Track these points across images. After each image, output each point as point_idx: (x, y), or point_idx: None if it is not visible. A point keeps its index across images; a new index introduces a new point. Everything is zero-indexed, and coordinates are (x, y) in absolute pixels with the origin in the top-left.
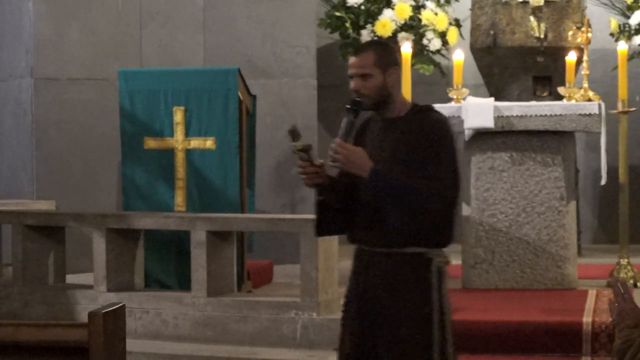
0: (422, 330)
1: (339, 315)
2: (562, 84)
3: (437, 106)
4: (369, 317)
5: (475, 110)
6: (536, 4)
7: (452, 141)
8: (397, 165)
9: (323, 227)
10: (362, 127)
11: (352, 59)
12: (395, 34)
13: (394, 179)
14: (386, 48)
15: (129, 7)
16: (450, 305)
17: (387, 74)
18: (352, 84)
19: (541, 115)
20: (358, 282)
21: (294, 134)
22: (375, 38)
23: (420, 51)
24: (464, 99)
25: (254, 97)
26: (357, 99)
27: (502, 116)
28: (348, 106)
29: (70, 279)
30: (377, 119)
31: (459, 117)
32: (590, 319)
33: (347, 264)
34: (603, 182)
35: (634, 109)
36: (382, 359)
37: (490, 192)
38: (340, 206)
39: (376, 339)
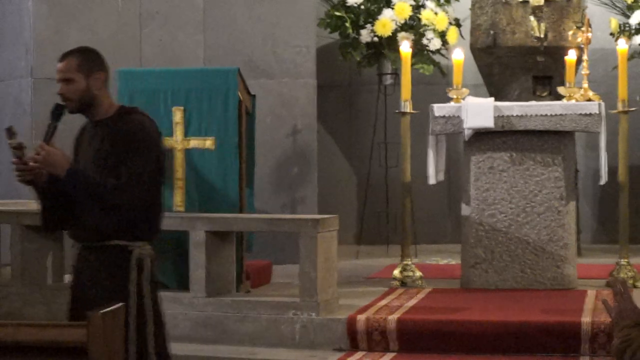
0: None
1: (338, 315)
2: (562, 83)
3: (437, 106)
4: (79, 311)
5: (475, 110)
6: (536, 4)
7: (146, 142)
8: (98, 165)
9: (47, 224)
10: (81, 131)
11: (57, 65)
12: (395, 33)
13: (87, 178)
14: (90, 54)
15: (128, 7)
16: (156, 298)
17: (90, 78)
18: (58, 89)
19: (541, 115)
20: (74, 276)
21: (10, 133)
22: (375, 38)
23: (420, 51)
24: (463, 98)
25: (253, 97)
26: (61, 103)
27: (502, 116)
28: (52, 110)
29: (69, 278)
30: (90, 122)
31: (458, 117)
32: (589, 319)
33: (346, 264)
34: (603, 182)
35: (634, 108)
36: None
37: (490, 192)
38: (61, 204)
39: None
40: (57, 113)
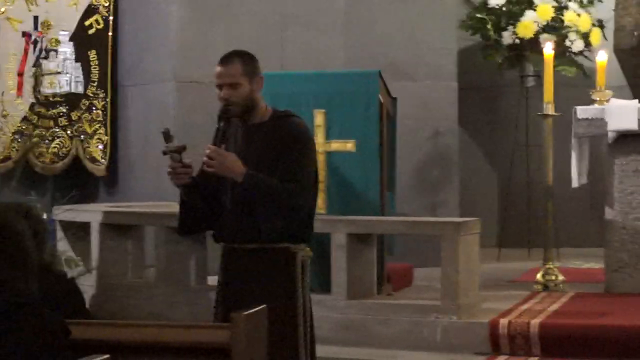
0: (288, 321)
1: (480, 318)
2: None
3: (580, 108)
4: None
5: (619, 112)
6: None
7: (311, 145)
8: (263, 167)
9: (186, 227)
10: (224, 131)
11: (219, 69)
12: (537, 35)
13: (264, 181)
14: (251, 58)
15: (270, 10)
16: (310, 298)
17: (253, 82)
18: (221, 93)
19: None
20: (226, 278)
21: (167, 136)
22: (517, 40)
23: (562, 53)
24: (607, 100)
25: (394, 99)
26: (228, 107)
27: None
28: (220, 114)
29: (212, 280)
30: (239, 125)
31: (602, 119)
32: None
33: (487, 267)
34: None
35: None
36: None
37: (635, 195)
38: (203, 206)
39: None
40: (225, 117)
